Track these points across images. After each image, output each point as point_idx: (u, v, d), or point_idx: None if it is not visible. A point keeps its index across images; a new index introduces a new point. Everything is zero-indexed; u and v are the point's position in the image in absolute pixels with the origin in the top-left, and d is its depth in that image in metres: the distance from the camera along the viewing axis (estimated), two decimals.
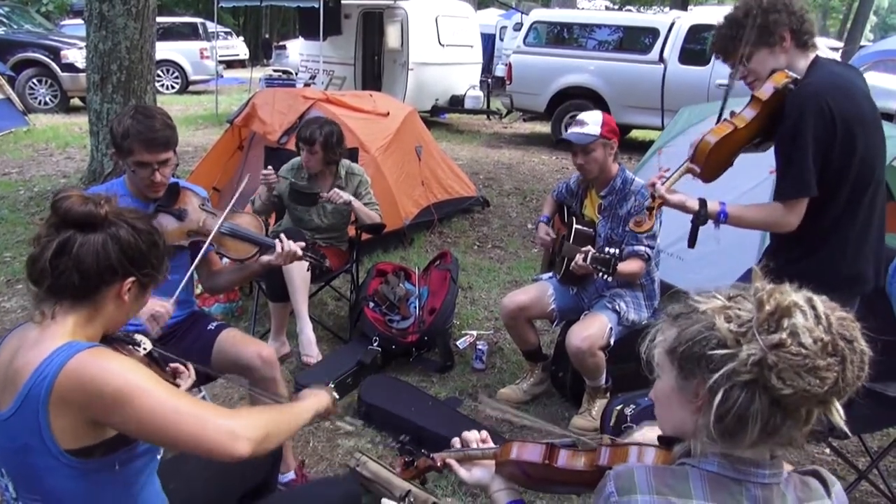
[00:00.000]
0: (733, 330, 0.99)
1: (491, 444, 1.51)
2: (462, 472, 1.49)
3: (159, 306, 2.24)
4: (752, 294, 1.03)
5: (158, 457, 1.52)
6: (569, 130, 2.97)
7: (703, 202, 2.20)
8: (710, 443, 1.04)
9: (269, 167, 3.66)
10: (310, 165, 3.68)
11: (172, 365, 1.76)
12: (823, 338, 0.96)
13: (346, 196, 3.59)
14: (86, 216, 1.33)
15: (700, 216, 2.19)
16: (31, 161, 7.85)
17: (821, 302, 1.01)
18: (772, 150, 2.23)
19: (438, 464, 1.53)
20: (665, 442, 1.19)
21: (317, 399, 1.62)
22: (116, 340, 1.49)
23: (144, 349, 1.57)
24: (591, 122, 2.93)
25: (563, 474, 1.30)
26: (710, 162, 2.18)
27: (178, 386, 1.68)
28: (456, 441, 1.54)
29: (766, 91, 2.13)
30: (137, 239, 1.39)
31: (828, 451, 2.85)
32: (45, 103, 11.17)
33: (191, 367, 1.78)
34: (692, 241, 2.23)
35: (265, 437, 1.33)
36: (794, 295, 1.01)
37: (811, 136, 2.04)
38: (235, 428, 1.29)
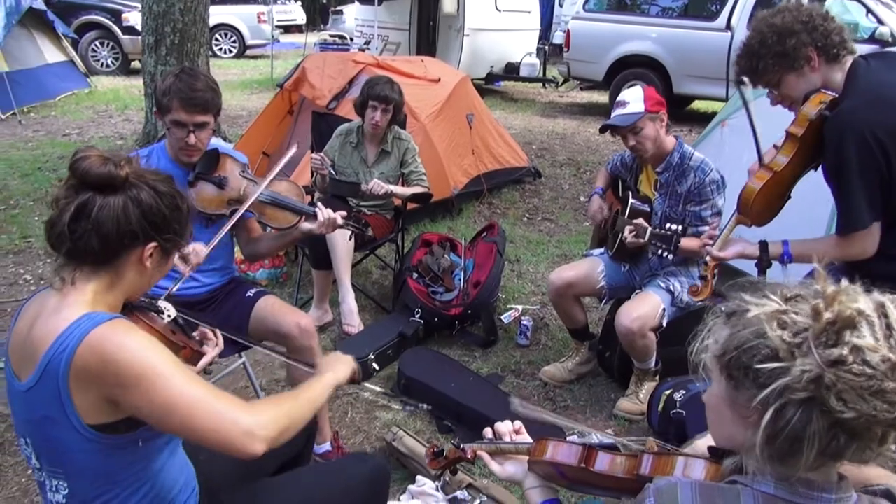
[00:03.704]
0: (787, 340, 0.85)
1: (525, 438, 1.42)
2: (494, 465, 1.41)
3: (190, 248, 2.22)
4: (812, 297, 0.88)
5: None
6: (612, 115, 2.80)
7: (763, 246, 2.11)
8: (764, 463, 0.91)
9: (322, 154, 3.60)
10: (378, 124, 3.60)
11: (201, 329, 1.72)
12: (893, 357, 0.81)
13: (387, 187, 3.52)
14: (105, 177, 1.26)
15: (763, 261, 2.10)
16: (90, 122, 8.02)
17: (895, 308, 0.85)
18: None
19: (469, 455, 1.46)
20: (716, 454, 1.07)
21: (334, 374, 1.55)
22: (138, 308, 1.44)
23: (169, 316, 1.52)
24: (632, 99, 2.74)
25: (600, 479, 1.20)
26: (758, 209, 2.09)
27: (203, 353, 1.63)
28: (488, 431, 1.46)
29: (799, 127, 1.97)
30: (159, 202, 1.32)
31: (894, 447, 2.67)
32: (107, 66, 11.39)
33: (219, 333, 1.73)
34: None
35: (283, 431, 1.29)
36: (861, 301, 0.85)
37: (855, 166, 1.87)
38: (253, 427, 1.23)
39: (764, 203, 2.08)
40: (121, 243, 1.29)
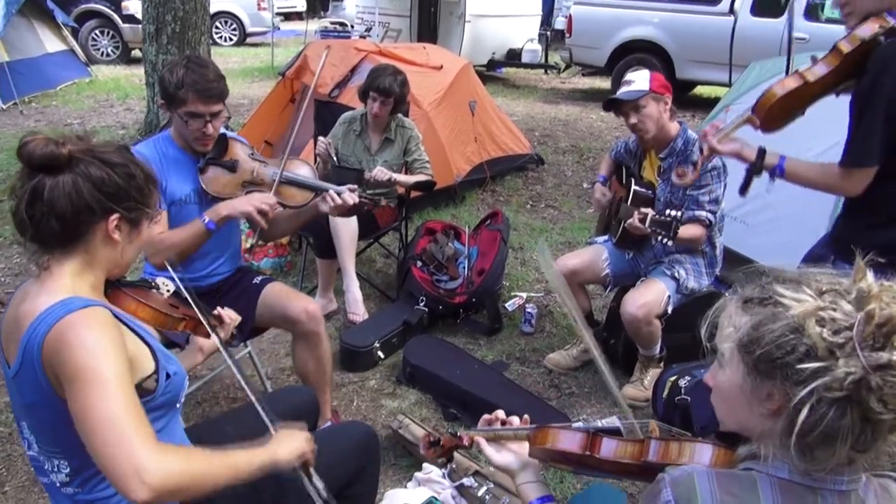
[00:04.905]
0: (827, 338, 0.84)
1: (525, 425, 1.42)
2: (490, 451, 1.39)
3: (259, 199, 2.30)
4: (853, 295, 0.86)
5: (178, 406, 1.50)
6: (617, 93, 2.80)
7: (762, 152, 2.04)
8: (784, 452, 0.91)
9: (329, 139, 3.60)
10: (379, 115, 3.60)
11: (223, 311, 1.76)
12: None
13: (389, 174, 3.51)
14: (49, 157, 1.27)
15: (756, 166, 2.04)
16: (91, 112, 8.00)
17: None
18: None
19: (466, 442, 1.45)
20: (725, 438, 1.07)
21: (277, 450, 1.37)
22: (129, 285, 1.46)
23: (168, 290, 1.54)
24: (637, 78, 2.75)
25: (605, 464, 1.20)
26: (773, 114, 2.01)
27: (207, 323, 1.64)
28: (486, 417, 1.46)
29: (849, 43, 1.89)
30: (111, 173, 1.32)
31: None
32: (107, 54, 11.33)
33: (226, 316, 1.76)
34: (744, 190, 2.09)
35: (177, 489, 1.16)
36: None
37: (885, 100, 1.82)
38: (145, 469, 1.12)
39: (781, 110, 2.01)
40: (78, 220, 1.30)
